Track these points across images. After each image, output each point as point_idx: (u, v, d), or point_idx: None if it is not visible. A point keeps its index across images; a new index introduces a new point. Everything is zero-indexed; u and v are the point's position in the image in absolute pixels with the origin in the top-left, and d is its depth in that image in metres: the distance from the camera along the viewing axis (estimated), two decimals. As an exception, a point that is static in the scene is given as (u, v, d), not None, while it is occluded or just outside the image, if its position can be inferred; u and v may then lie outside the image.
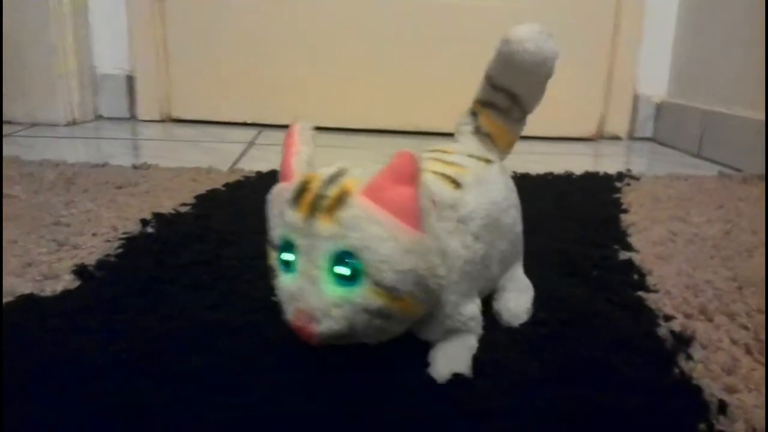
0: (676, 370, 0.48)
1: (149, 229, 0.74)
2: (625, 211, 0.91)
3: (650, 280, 0.66)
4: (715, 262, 0.72)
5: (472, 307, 0.48)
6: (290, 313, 0.40)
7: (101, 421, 0.40)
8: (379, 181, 0.39)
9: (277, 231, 0.42)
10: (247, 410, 0.41)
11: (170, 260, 0.64)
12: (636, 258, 0.72)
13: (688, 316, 0.58)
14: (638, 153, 1.56)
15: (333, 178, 0.40)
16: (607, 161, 1.45)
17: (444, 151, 0.55)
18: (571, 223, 0.84)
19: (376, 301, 0.39)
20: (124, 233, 0.72)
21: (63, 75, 1.54)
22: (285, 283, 0.41)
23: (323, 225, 0.38)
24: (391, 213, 0.38)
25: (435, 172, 0.50)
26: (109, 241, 0.70)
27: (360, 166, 0.42)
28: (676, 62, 1.64)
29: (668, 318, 0.57)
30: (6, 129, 1.48)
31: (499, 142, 0.59)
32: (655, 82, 1.67)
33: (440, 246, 0.42)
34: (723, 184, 1.09)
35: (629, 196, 0.99)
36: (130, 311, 0.53)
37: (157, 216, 0.78)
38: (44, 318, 0.51)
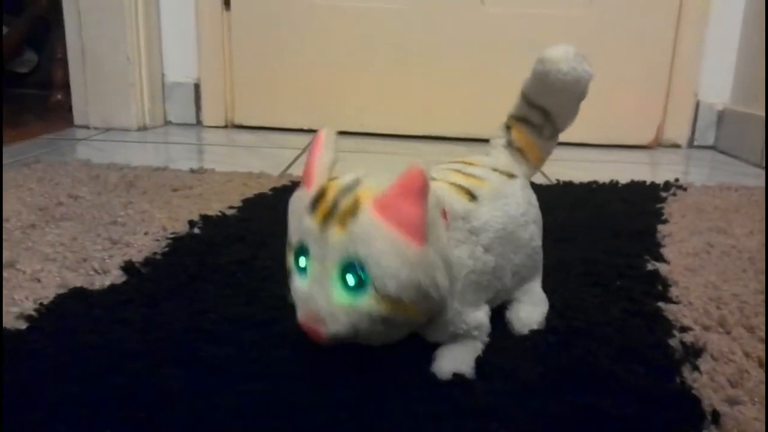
0: (678, 380, 0.49)
1: (196, 230, 0.80)
2: (665, 222, 0.90)
3: (674, 291, 0.66)
4: (747, 275, 0.71)
5: (478, 315, 0.50)
6: (301, 314, 0.44)
7: (129, 399, 0.44)
8: (389, 194, 0.41)
9: (294, 235, 0.45)
10: (257, 396, 0.45)
11: (210, 259, 0.69)
12: (664, 269, 0.72)
13: (705, 327, 0.59)
14: (698, 162, 1.53)
15: (348, 188, 0.43)
16: (664, 170, 1.43)
17: (468, 163, 0.57)
18: (605, 232, 0.84)
19: (380, 309, 0.41)
20: (172, 233, 0.78)
21: (135, 83, 1.64)
22: (298, 285, 0.44)
23: (335, 234, 0.41)
24: (398, 227, 0.41)
25: (452, 183, 0.52)
26: (158, 240, 0.76)
27: (375, 176, 0.45)
28: (740, 69, 1.60)
29: (684, 329, 0.58)
30: (82, 133, 1.59)
31: (530, 157, 0.60)
32: (717, 88, 1.63)
33: (445, 257, 0.45)
34: (776, 195, 1.07)
35: (672, 206, 0.98)
36: (167, 305, 0.58)
37: (204, 218, 0.84)
38: (90, 308, 0.57)
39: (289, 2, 1.64)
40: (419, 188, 0.41)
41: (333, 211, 0.42)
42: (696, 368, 0.51)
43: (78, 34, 1.62)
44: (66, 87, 1.74)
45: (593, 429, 0.44)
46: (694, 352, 0.53)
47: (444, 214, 0.47)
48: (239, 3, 1.66)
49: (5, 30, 2.19)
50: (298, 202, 0.45)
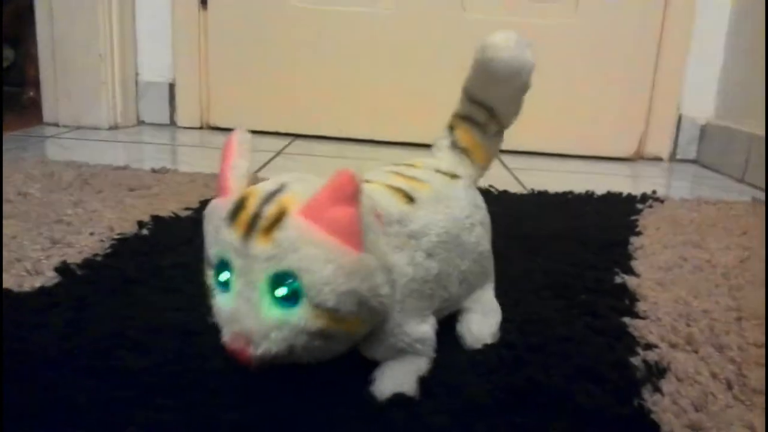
0: (637, 403, 0.45)
1: (144, 231, 0.75)
2: (638, 234, 0.87)
3: (641, 306, 0.63)
4: (720, 291, 0.68)
5: (423, 328, 0.46)
6: (227, 336, 0.39)
7: (32, 412, 0.40)
8: (318, 200, 0.38)
9: (212, 249, 0.41)
10: (171, 413, 0.41)
11: (152, 262, 0.65)
12: (633, 282, 0.69)
13: (672, 345, 0.55)
14: (679, 175, 1.50)
15: (271, 196, 0.39)
16: (645, 183, 1.40)
17: (410, 165, 0.54)
18: (575, 244, 0.81)
19: (316, 322, 0.37)
20: (119, 234, 0.74)
21: (107, 81, 1.59)
22: (221, 303, 0.40)
23: (260, 246, 0.37)
24: (331, 233, 0.37)
25: (389, 186, 0.48)
26: (102, 241, 0.71)
27: (302, 180, 0.41)
28: (724, 83, 1.58)
29: (649, 347, 0.54)
30: (51, 131, 1.55)
31: (475, 158, 0.57)
32: (700, 102, 1.60)
33: (384, 263, 0.41)
34: (754, 210, 1.04)
35: (648, 219, 0.95)
36: (96, 310, 0.54)
37: (155, 219, 0.79)
38: (14, 312, 0.52)
39: (267, 3, 1.61)
40: (351, 192, 0.37)
41: (255, 220, 0.38)
42: (658, 390, 0.47)
43: (50, 29, 1.58)
44: (39, 84, 1.69)
45: (541, 455, 0.41)
46: (657, 372, 0.50)
47: (379, 217, 0.43)
48: (216, 2, 1.62)
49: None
50: (214, 214, 0.41)
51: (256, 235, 0.37)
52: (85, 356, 0.46)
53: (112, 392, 0.42)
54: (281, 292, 0.37)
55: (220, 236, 0.39)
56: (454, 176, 0.53)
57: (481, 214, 0.54)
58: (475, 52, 0.53)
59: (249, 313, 0.38)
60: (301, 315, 0.37)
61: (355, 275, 0.38)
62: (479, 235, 0.52)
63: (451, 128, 0.57)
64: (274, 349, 0.38)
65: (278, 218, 0.37)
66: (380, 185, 0.48)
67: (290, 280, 0.37)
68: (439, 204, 0.49)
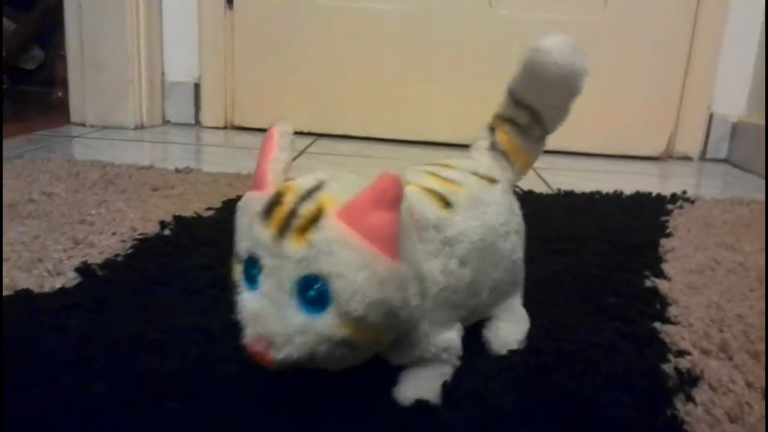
0: (670, 413, 0.44)
1: (166, 231, 0.75)
2: (669, 236, 0.85)
3: (673, 311, 0.61)
4: (755, 295, 0.66)
5: (449, 337, 0.45)
6: (249, 336, 0.38)
7: (46, 418, 0.40)
8: (358, 203, 0.36)
9: (243, 244, 0.39)
10: (191, 420, 0.40)
11: (173, 263, 0.64)
12: (664, 286, 0.67)
13: (705, 352, 0.53)
14: (710, 175, 1.47)
15: (308, 193, 0.37)
16: (674, 182, 1.37)
17: (446, 166, 0.51)
18: (603, 245, 0.79)
19: (341, 331, 0.36)
20: (140, 234, 0.73)
21: (134, 81, 1.60)
22: (247, 302, 0.38)
23: (294, 246, 0.36)
24: (368, 239, 0.35)
25: (424, 188, 0.47)
26: (124, 241, 0.71)
27: (339, 179, 0.40)
28: (757, 80, 1.53)
29: (681, 353, 0.52)
30: (77, 130, 1.56)
31: (515, 161, 0.55)
32: (732, 100, 1.57)
33: (417, 272, 0.39)
34: (790, 211, 1.01)
35: (678, 220, 0.93)
36: (116, 311, 0.54)
37: (177, 219, 0.79)
38: (32, 313, 0.52)
39: (293, 2, 1.60)
40: (393, 197, 0.35)
41: (291, 218, 0.36)
42: (691, 399, 0.46)
43: (78, 29, 1.59)
44: (67, 84, 1.71)
45: (569, 467, 0.39)
46: (690, 380, 0.48)
47: (415, 222, 0.42)
48: (242, 2, 1.62)
49: (14, 25, 2.18)
50: (248, 207, 0.39)
51: (290, 234, 0.36)
52: (103, 359, 0.46)
53: (129, 397, 0.42)
54: (309, 296, 0.36)
55: (252, 231, 0.38)
56: (492, 180, 0.51)
57: (516, 221, 0.52)
58: (526, 53, 0.51)
59: (274, 314, 0.36)
60: (326, 322, 0.36)
61: (388, 285, 0.36)
62: (514, 243, 0.50)
63: (492, 129, 0.55)
64: (295, 355, 0.36)
65: (315, 218, 0.36)
66: (416, 187, 0.46)
67: (320, 285, 0.36)
68: (476, 209, 0.47)
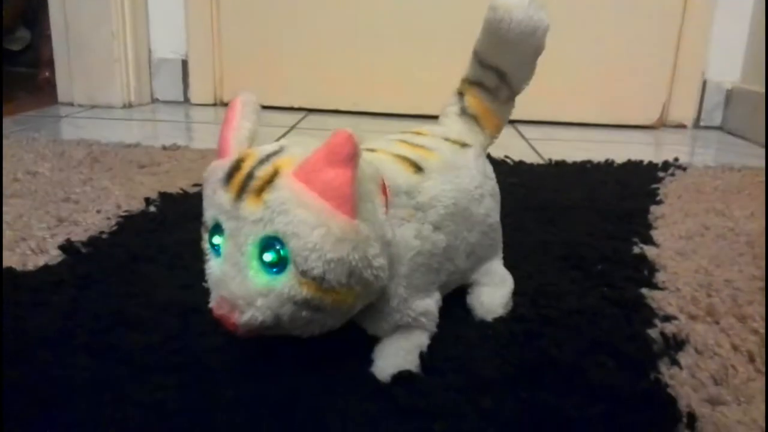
0: (653, 377, 0.43)
1: (152, 208, 0.74)
2: (659, 203, 0.84)
3: (660, 277, 0.60)
4: (744, 259, 0.65)
5: (427, 302, 0.44)
6: (213, 301, 0.38)
7: (27, 393, 0.39)
8: (312, 161, 0.36)
9: (208, 212, 0.39)
10: (171, 391, 0.40)
11: (157, 239, 0.64)
12: (652, 252, 0.66)
13: (692, 317, 0.53)
14: (704, 143, 1.46)
15: (268, 157, 0.37)
16: (668, 151, 1.35)
17: (417, 133, 0.52)
18: (593, 214, 0.78)
19: (302, 291, 0.36)
20: (125, 211, 0.73)
21: (120, 59, 1.58)
22: (212, 268, 0.39)
23: (250, 207, 0.36)
24: (323, 197, 0.35)
25: (396, 155, 0.46)
26: (109, 218, 0.71)
27: (302, 143, 0.40)
28: (751, 46, 1.52)
29: (667, 318, 0.52)
30: (66, 110, 1.54)
31: (485, 125, 0.54)
32: (726, 67, 1.55)
33: (381, 235, 0.39)
34: (782, 176, 1.00)
35: (669, 187, 0.92)
36: (98, 288, 0.53)
37: (163, 195, 0.78)
38: (15, 290, 0.52)
39: (279, -25, 1.58)
40: (347, 154, 0.35)
41: (248, 181, 0.36)
42: (675, 363, 0.45)
43: (62, 9, 1.57)
44: (54, 64, 1.69)
45: (550, 431, 0.39)
46: (675, 345, 0.48)
47: (384, 188, 0.41)
48: (228, -24, 1.60)
49: (-2, 7, 2.15)
50: (212, 175, 0.39)
51: (247, 196, 0.36)
52: (84, 335, 0.45)
53: (110, 371, 0.41)
54: (268, 257, 0.36)
55: (215, 198, 0.38)
56: (464, 145, 0.51)
57: (490, 184, 0.52)
58: (486, 12, 0.50)
59: (236, 277, 0.36)
60: (287, 282, 0.35)
61: (345, 243, 0.36)
62: (488, 207, 0.50)
63: (461, 94, 0.55)
64: (259, 317, 0.36)
65: (271, 179, 0.36)
66: (386, 154, 0.46)
67: (278, 245, 0.35)
68: (448, 173, 0.47)
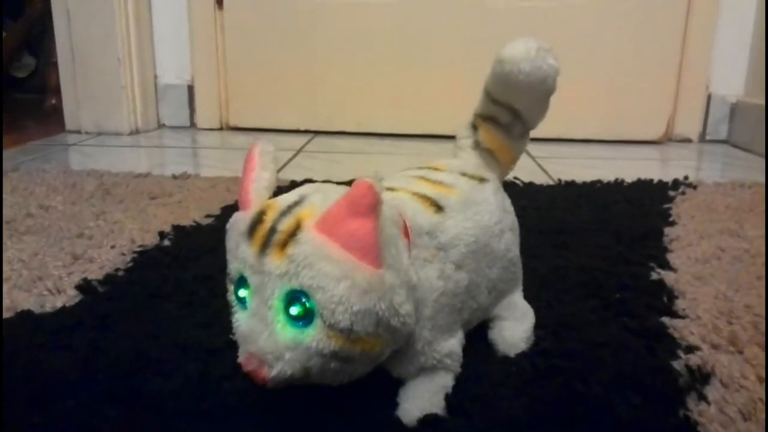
0: (682, 414, 0.43)
1: (166, 242, 0.74)
2: (672, 224, 0.84)
3: (680, 304, 0.60)
4: (761, 283, 0.65)
5: (452, 343, 0.44)
6: (242, 356, 0.38)
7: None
8: (334, 212, 0.36)
9: (233, 265, 0.39)
10: (197, 442, 0.39)
11: (174, 275, 0.64)
12: (670, 278, 0.66)
13: (715, 346, 0.53)
14: (710, 157, 1.46)
15: (289, 209, 0.37)
16: (675, 166, 1.36)
17: (434, 169, 0.51)
18: (607, 236, 0.78)
19: (330, 343, 0.36)
20: (140, 246, 0.73)
21: (126, 85, 1.59)
22: (239, 321, 0.39)
23: (274, 262, 0.36)
24: (347, 248, 0.35)
25: (415, 194, 0.46)
26: (123, 254, 0.71)
27: (322, 191, 0.40)
28: (755, 59, 1.52)
29: (690, 349, 0.52)
30: (73, 138, 1.55)
31: (500, 158, 0.55)
32: (730, 80, 1.55)
33: (406, 280, 0.39)
34: (793, 192, 1.00)
35: (681, 207, 0.92)
36: (118, 328, 0.53)
37: (176, 228, 0.79)
38: (34, 334, 0.52)
39: (282, 1, 1.59)
40: (369, 204, 0.35)
41: (271, 235, 0.36)
42: (703, 398, 0.45)
43: (68, 36, 1.58)
44: (60, 91, 1.70)
45: (582, 473, 0.39)
46: (701, 378, 0.47)
47: (406, 230, 0.41)
48: (232, 2, 1.61)
49: (4, 34, 2.16)
50: (234, 228, 0.40)
51: (271, 250, 0.36)
52: (106, 380, 0.45)
53: (135, 419, 0.41)
54: (294, 311, 0.36)
55: (239, 251, 0.38)
56: (482, 179, 0.51)
57: (509, 219, 0.52)
58: (493, 65, 0.50)
59: (263, 332, 0.36)
60: (314, 335, 0.36)
61: (371, 293, 0.36)
62: (508, 242, 0.50)
63: (474, 128, 0.55)
64: (288, 371, 0.36)
65: (293, 233, 0.36)
66: (405, 193, 0.46)
67: (304, 299, 0.35)
68: (468, 210, 0.47)
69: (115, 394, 0.44)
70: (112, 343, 0.51)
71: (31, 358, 0.48)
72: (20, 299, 0.59)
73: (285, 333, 0.36)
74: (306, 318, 0.36)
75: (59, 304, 0.58)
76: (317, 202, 0.38)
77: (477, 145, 0.54)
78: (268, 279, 0.36)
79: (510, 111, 0.52)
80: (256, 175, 0.41)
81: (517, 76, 0.48)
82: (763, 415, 0.43)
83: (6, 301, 0.58)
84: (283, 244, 0.36)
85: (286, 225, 0.36)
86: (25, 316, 0.55)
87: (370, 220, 0.35)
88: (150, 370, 0.47)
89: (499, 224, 0.49)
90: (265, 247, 0.36)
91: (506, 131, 0.53)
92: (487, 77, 0.51)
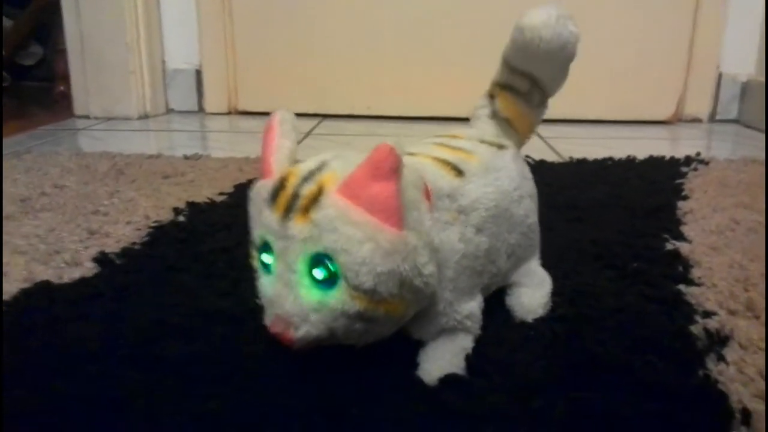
0: (702, 373, 0.43)
1: (181, 218, 0.75)
2: (685, 198, 0.84)
3: (696, 273, 0.60)
4: (778, 252, 0.65)
5: (471, 305, 0.45)
6: (268, 319, 0.39)
7: (78, 407, 0.40)
8: (356, 176, 0.36)
9: (256, 231, 0.40)
10: (223, 401, 0.40)
11: (191, 248, 0.64)
12: (685, 248, 0.66)
13: (732, 312, 0.53)
14: (720, 136, 1.45)
15: (311, 174, 0.38)
16: (685, 145, 1.35)
17: (453, 136, 0.52)
18: (620, 211, 0.78)
19: (355, 305, 0.36)
20: (155, 222, 0.73)
21: (135, 71, 1.59)
22: (264, 286, 0.40)
23: (298, 226, 0.36)
24: (369, 211, 0.36)
25: (436, 159, 0.47)
26: (139, 229, 0.71)
27: (342, 157, 0.40)
28: (765, 38, 1.51)
29: (708, 314, 0.52)
30: (83, 123, 1.55)
31: (518, 127, 0.55)
32: (740, 59, 1.54)
33: (428, 242, 0.39)
34: (806, 167, 0.99)
35: (694, 182, 0.92)
36: (137, 299, 0.53)
37: (191, 205, 0.79)
38: (52, 304, 0.52)
39: (290, -17, 1.58)
40: (390, 167, 0.35)
41: (294, 200, 0.37)
42: (722, 359, 0.45)
43: (76, 22, 1.58)
44: (69, 77, 1.70)
45: (604, 431, 0.39)
46: (719, 341, 0.48)
47: (427, 192, 0.41)
48: (239, -15, 1.60)
49: (11, 23, 2.17)
50: (257, 195, 0.40)
51: (294, 215, 0.37)
52: (128, 346, 0.46)
53: (158, 382, 0.42)
54: (319, 274, 0.36)
55: (262, 218, 0.39)
56: (501, 146, 0.51)
57: (529, 185, 0.52)
58: (513, 30, 0.50)
59: (288, 295, 0.37)
60: (339, 297, 0.36)
61: (394, 255, 0.36)
62: (527, 208, 0.50)
63: (492, 96, 0.55)
64: (314, 332, 0.37)
65: (316, 197, 0.36)
66: (426, 158, 0.46)
67: (328, 261, 0.36)
68: (488, 176, 0.47)
69: (136, 360, 0.44)
70: (131, 312, 0.51)
71: (51, 327, 0.49)
72: (38, 271, 0.59)
73: (310, 296, 0.37)
74: (330, 280, 0.36)
75: (77, 276, 0.58)
76: (338, 167, 0.38)
77: (494, 115, 0.54)
78: (292, 243, 0.37)
79: (529, 79, 0.52)
80: (276, 143, 0.41)
81: (538, 43, 0.48)
82: (783, 376, 0.44)
83: (24, 273, 0.59)
84: (306, 209, 0.36)
85: (308, 190, 0.37)
86: (44, 286, 0.56)
87: (391, 182, 0.36)
88: (171, 337, 0.47)
89: (518, 190, 0.49)
90: (288, 212, 0.37)
91: (525, 99, 0.53)
92: (506, 45, 0.51)
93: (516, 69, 0.52)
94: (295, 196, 0.37)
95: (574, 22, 0.49)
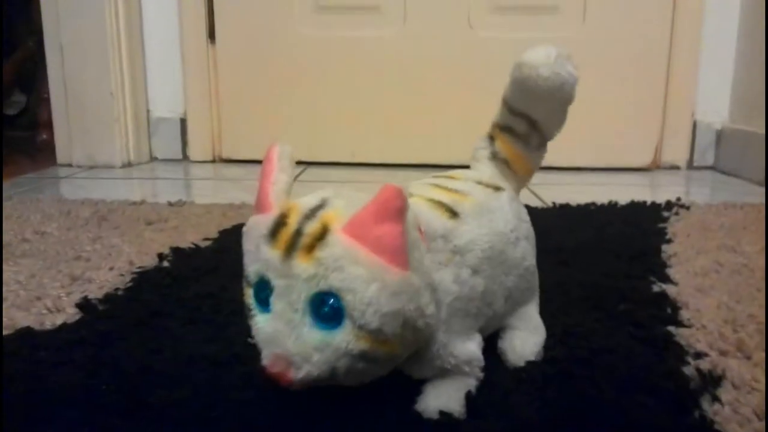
0: (697, 414, 0.43)
1: (165, 263, 0.74)
2: (669, 241, 0.85)
3: (684, 314, 0.60)
4: (762, 295, 0.65)
5: (469, 347, 0.44)
6: (266, 358, 0.37)
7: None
8: (362, 217, 0.36)
9: (252, 267, 0.39)
10: (209, 449, 0.39)
11: (175, 294, 0.63)
12: (672, 290, 0.66)
13: (723, 353, 0.53)
14: (698, 182, 1.48)
15: (313, 212, 0.37)
16: (664, 191, 1.37)
17: (450, 177, 0.52)
18: (606, 254, 0.78)
19: (359, 344, 0.36)
20: (139, 267, 0.72)
21: (119, 119, 1.59)
22: (261, 324, 0.38)
23: (302, 265, 0.36)
24: (375, 252, 0.35)
25: (430, 200, 0.47)
26: (122, 275, 0.70)
27: (343, 196, 0.40)
28: (738, 86, 1.56)
29: (699, 355, 0.52)
30: (66, 171, 1.55)
31: (517, 169, 0.55)
32: (715, 107, 1.58)
33: (429, 282, 0.39)
34: (784, 212, 1.01)
35: (676, 226, 0.93)
36: (121, 345, 0.52)
37: (175, 250, 0.78)
38: (34, 351, 0.51)
39: (275, 33, 1.61)
40: (397, 208, 0.35)
41: (297, 238, 0.36)
42: (716, 399, 0.45)
43: (60, 70, 1.58)
44: (52, 126, 1.70)
45: (601, 474, 0.38)
46: (712, 381, 0.47)
47: (422, 233, 0.41)
48: (224, 36, 1.63)
49: None
50: (254, 230, 0.39)
51: (297, 253, 0.36)
52: (111, 393, 0.44)
53: (142, 430, 0.40)
54: (323, 312, 0.36)
55: (260, 254, 0.38)
56: (497, 188, 0.51)
57: (525, 227, 0.52)
58: (513, 69, 0.51)
59: (290, 334, 0.36)
60: (343, 337, 0.35)
61: (400, 295, 0.36)
62: (524, 250, 0.50)
63: (491, 138, 0.55)
64: (315, 372, 0.36)
65: (321, 236, 0.36)
66: (421, 199, 0.46)
67: (332, 300, 0.35)
68: (483, 217, 0.47)
69: (120, 407, 0.43)
70: (115, 358, 0.50)
71: (32, 373, 0.47)
72: (19, 318, 0.58)
73: (313, 335, 0.36)
74: (333, 320, 0.36)
75: (59, 322, 0.57)
76: (340, 205, 0.38)
77: (494, 156, 0.55)
78: (295, 282, 0.36)
79: (527, 121, 0.53)
80: (274, 177, 0.41)
81: (536, 80, 0.48)
82: (777, 416, 0.43)
83: (4, 320, 0.57)
84: (311, 247, 0.36)
85: (311, 228, 0.36)
86: (25, 333, 0.54)
87: (397, 224, 0.36)
88: (155, 383, 0.46)
89: (514, 232, 0.49)
90: (290, 250, 0.36)
91: (524, 141, 0.54)
92: (506, 86, 0.52)
93: (515, 110, 0.53)
94: (298, 233, 0.36)
95: (573, 64, 0.50)
